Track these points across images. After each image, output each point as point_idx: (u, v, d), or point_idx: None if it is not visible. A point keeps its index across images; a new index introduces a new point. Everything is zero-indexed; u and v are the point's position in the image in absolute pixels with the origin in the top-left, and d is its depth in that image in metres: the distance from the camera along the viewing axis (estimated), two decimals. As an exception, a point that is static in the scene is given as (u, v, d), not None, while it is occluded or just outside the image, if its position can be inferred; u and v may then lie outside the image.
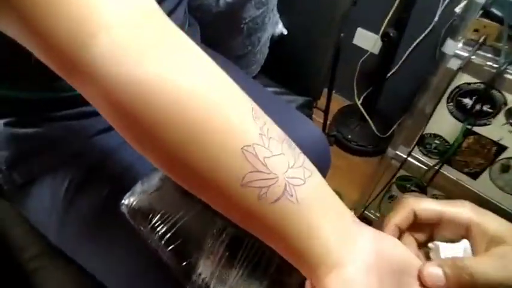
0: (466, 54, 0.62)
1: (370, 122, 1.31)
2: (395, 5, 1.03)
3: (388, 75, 1.24)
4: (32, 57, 0.24)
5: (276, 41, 0.73)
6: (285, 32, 0.71)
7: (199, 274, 0.29)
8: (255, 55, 0.68)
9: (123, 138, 0.25)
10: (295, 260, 0.26)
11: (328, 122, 1.18)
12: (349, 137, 1.34)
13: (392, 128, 1.31)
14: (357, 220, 0.26)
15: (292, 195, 0.23)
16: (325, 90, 1.00)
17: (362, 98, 1.37)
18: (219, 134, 0.23)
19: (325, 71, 0.83)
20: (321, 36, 0.76)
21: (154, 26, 0.24)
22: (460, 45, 0.63)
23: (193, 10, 0.59)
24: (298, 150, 0.26)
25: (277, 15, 0.68)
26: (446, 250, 0.27)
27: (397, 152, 0.85)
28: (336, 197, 0.26)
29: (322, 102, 1.01)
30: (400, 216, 0.28)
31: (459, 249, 0.26)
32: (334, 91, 1.18)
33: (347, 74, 1.36)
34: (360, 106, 1.34)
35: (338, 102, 1.50)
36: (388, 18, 1.08)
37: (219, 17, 0.58)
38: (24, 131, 0.44)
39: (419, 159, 0.83)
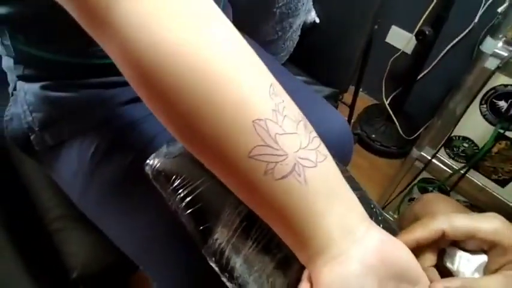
0: (505, 54, 0.59)
1: (397, 123, 1.28)
2: (434, 2, 1.00)
3: (420, 76, 1.20)
4: (69, 19, 0.25)
5: (308, 29, 0.72)
6: (318, 20, 0.70)
7: (216, 239, 0.29)
8: (285, 41, 0.68)
9: (148, 110, 0.26)
10: (294, 243, 0.25)
11: (352, 120, 1.16)
12: (373, 136, 1.32)
13: (419, 131, 1.27)
14: (368, 219, 0.26)
15: (300, 176, 0.23)
16: (352, 88, 0.99)
17: (390, 98, 1.34)
18: (232, 105, 0.23)
19: (355, 65, 0.82)
20: (353, 29, 0.74)
21: None
22: (500, 44, 0.60)
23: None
24: (314, 133, 0.25)
25: (311, 3, 0.67)
26: (463, 261, 0.26)
27: (422, 153, 0.82)
28: (349, 189, 0.25)
29: (348, 99, 1.00)
30: (426, 234, 0.26)
31: (476, 264, 0.26)
32: (361, 89, 1.16)
33: (376, 72, 1.33)
34: (387, 106, 1.31)
35: (364, 100, 1.47)
36: (425, 16, 1.05)
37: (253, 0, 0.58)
38: (58, 94, 0.46)
39: (444, 162, 0.80)
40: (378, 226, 0.26)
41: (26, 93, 0.47)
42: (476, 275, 0.26)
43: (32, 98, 0.46)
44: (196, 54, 0.22)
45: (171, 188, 0.30)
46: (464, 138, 0.74)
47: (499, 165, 0.70)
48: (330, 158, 0.25)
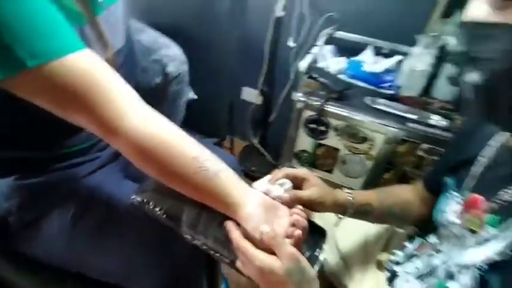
0: (303, 99, 1.05)
1: (266, 154, 1.71)
2: (264, 68, 1.50)
3: (272, 118, 1.69)
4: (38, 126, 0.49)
5: (189, 103, 1.06)
6: (195, 96, 1.04)
7: (186, 226, 0.55)
8: (177, 115, 0.98)
9: (102, 178, 0.51)
10: (223, 208, 0.54)
11: (234, 159, 1.53)
12: (253, 168, 1.71)
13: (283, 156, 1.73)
14: (251, 188, 0.57)
15: (216, 175, 0.52)
16: (229, 137, 1.35)
17: (258, 137, 1.78)
18: (184, 153, 0.51)
19: (225, 120, 1.20)
20: (218, 98, 1.12)
21: (144, 104, 0.52)
22: (300, 94, 1.07)
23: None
24: (220, 160, 0.55)
25: (189, 87, 1.01)
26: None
27: (281, 166, 1.23)
28: (238, 178, 0.55)
29: (228, 144, 1.36)
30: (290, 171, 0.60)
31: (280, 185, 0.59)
32: (235, 136, 1.55)
33: (243, 122, 1.77)
34: (256, 144, 1.74)
35: (240, 144, 1.88)
36: (262, 78, 1.54)
37: (151, 92, 0.88)
38: (31, 181, 0.63)
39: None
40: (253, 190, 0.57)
41: (-1, 188, 0.62)
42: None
43: (6, 189, 0.62)
44: (162, 137, 0.50)
45: (151, 207, 0.55)
46: (303, 151, 1.18)
47: (324, 161, 1.16)
48: (230, 169, 0.56)
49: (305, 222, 0.52)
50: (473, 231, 0.52)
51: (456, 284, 0.52)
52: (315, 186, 0.61)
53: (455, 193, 0.57)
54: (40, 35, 0.42)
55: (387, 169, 1.10)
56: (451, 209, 0.57)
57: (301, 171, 0.64)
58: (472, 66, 0.41)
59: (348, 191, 0.66)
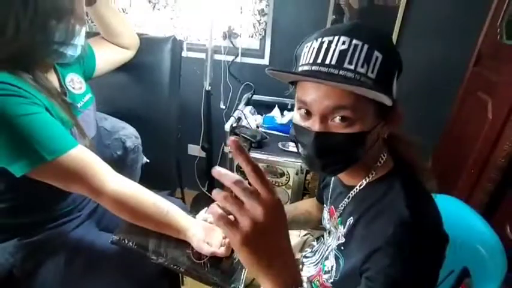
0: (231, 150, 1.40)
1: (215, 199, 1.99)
2: (203, 129, 1.84)
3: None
4: (37, 198, 0.78)
5: (144, 166, 1.33)
6: (148, 160, 1.33)
7: (152, 252, 0.82)
8: (135, 177, 1.26)
9: (85, 230, 0.82)
10: (175, 234, 0.83)
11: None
12: (205, 212, 1.97)
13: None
14: (193, 218, 0.87)
15: (169, 213, 0.82)
16: (179, 189, 1.63)
17: (206, 185, 2.07)
18: (147, 201, 0.81)
19: (175, 175, 1.49)
20: (166, 158, 1.42)
21: (115, 173, 0.81)
22: (229, 148, 1.41)
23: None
24: (170, 203, 0.85)
25: (142, 154, 1.30)
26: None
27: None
28: (183, 213, 0.86)
29: (179, 195, 1.63)
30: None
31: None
32: (186, 187, 1.83)
33: (191, 173, 2.06)
34: (205, 192, 2.03)
35: (191, 193, 2.14)
36: (201, 136, 1.88)
37: (114, 162, 1.16)
38: (30, 240, 0.85)
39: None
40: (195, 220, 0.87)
41: (5, 248, 0.83)
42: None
43: (11, 249, 0.84)
44: (136, 197, 0.79)
45: (126, 242, 0.82)
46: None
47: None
48: (177, 207, 0.85)
49: None
50: (336, 228, 0.82)
51: (328, 261, 0.76)
52: None
53: (327, 207, 0.90)
54: (52, 138, 0.71)
55: (304, 194, 1.45)
56: (325, 216, 0.90)
57: None
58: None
59: None
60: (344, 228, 0.70)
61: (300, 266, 0.98)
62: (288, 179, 1.42)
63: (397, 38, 1.54)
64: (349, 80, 0.53)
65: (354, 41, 0.53)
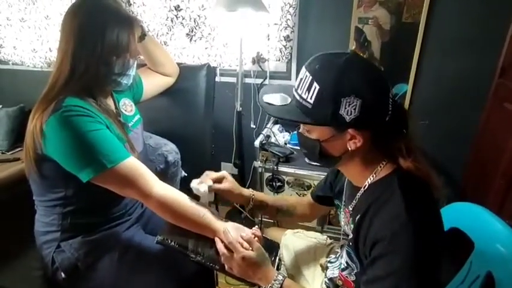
0: (261, 165, 1.51)
1: (246, 213, 2.09)
2: (234, 147, 1.98)
3: (247, 184, 2.11)
4: (98, 202, 0.93)
5: (181, 178, 1.48)
6: (186, 174, 1.47)
7: (191, 251, 0.93)
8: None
9: (134, 232, 0.96)
10: (211, 234, 0.93)
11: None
12: (238, 227, 2.07)
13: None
14: (223, 221, 0.97)
15: (204, 215, 0.93)
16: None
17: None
18: (187, 204, 0.92)
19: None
20: (202, 171, 1.55)
21: (159, 180, 0.94)
22: (259, 162, 1.52)
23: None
24: (210, 211, 0.96)
25: (181, 168, 1.45)
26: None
27: (257, 219, 1.62)
28: (216, 215, 0.96)
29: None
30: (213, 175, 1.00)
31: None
32: (219, 203, 1.96)
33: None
34: (238, 207, 2.13)
35: (225, 209, 2.25)
36: (233, 154, 2.01)
37: (157, 174, 1.31)
38: (91, 238, 1.00)
39: (268, 217, 1.62)
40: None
41: (71, 244, 0.98)
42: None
43: (76, 245, 0.99)
44: (179, 201, 0.92)
45: (169, 242, 0.93)
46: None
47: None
48: (210, 211, 0.96)
49: (259, 232, 0.92)
50: (349, 228, 0.90)
51: (342, 259, 0.89)
52: (229, 182, 1.01)
53: (342, 210, 0.93)
54: (112, 150, 0.86)
55: (331, 206, 1.51)
56: (341, 219, 0.97)
57: (221, 173, 1.03)
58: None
59: (251, 190, 1.04)
60: (353, 225, 0.78)
61: (324, 270, 1.04)
62: (315, 191, 1.49)
63: (419, 52, 1.61)
64: (298, 101, 0.69)
65: (306, 72, 0.68)
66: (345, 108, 0.64)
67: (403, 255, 0.60)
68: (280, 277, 0.81)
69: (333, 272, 0.99)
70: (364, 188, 0.75)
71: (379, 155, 0.73)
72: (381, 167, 0.72)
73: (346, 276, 0.83)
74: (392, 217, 0.63)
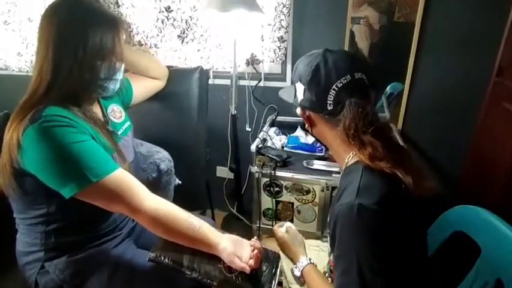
0: (258, 170, 1.45)
1: (244, 219, 2.04)
2: (230, 151, 1.92)
3: (243, 189, 2.06)
4: (84, 220, 0.88)
5: (175, 186, 1.42)
6: (180, 182, 1.41)
7: (186, 267, 0.88)
8: (169, 198, 1.34)
9: (124, 247, 0.89)
10: (206, 248, 0.88)
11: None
12: (234, 232, 2.01)
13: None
14: (225, 233, 0.92)
15: (200, 228, 0.88)
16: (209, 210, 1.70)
17: (235, 206, 2.12)
18: (181, 218, 0.87)
19: (205, 196, 1.56)
20: (197, 178, 1.50)
21: (151, 193, 0.88)
22: (255, 167, 1.47)
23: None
24: (200, 219, 0.91)
25: (175, 176, 1.39)
26: None
27: (255, 225, 1.57)
28: (213, 228, 0.91)
29: (210, 216, 1.69)
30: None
31: None
32: (215, 208, 1.90)
33: (220, 195, 2.13)
34: (235, 212, 2.08)
35: (221, 214, 2.20)
36: (229, 158, 1.96)
37: (149, 183, 1.25)
38: (77, 257, 0.94)
39: (266, 223, 1.57)
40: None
41: (56, 265, 0.92)
42: None
43: (61, 265, 0.92)
44: (170, 213, 0.86)
45: (162, 259, 0.88)
46: (268, 209, 1.54)
47: (284, 214, 1.52)
48: (206, 223, 0.91)
49: (259, 244, 0.87)
50: None
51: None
52: None
53: None
54: (97, 162, 0.80)
55: (331, 211, 1.47)
56: None
57: None
58: None
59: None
60: None
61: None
62: (314, 196, 1.44)
63: (415, 52, 1.57)
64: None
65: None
66: (298, 91, 0.82)
67: (348, 237, 0.66)
68: (303, 263, 0.90)
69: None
70: (340, 173, 0.84)
71: (349, 146, 0.77)
72: (349, 157, 0.79)
73: (332, 260, 0.81)
74: (343, 203, 0.68)
